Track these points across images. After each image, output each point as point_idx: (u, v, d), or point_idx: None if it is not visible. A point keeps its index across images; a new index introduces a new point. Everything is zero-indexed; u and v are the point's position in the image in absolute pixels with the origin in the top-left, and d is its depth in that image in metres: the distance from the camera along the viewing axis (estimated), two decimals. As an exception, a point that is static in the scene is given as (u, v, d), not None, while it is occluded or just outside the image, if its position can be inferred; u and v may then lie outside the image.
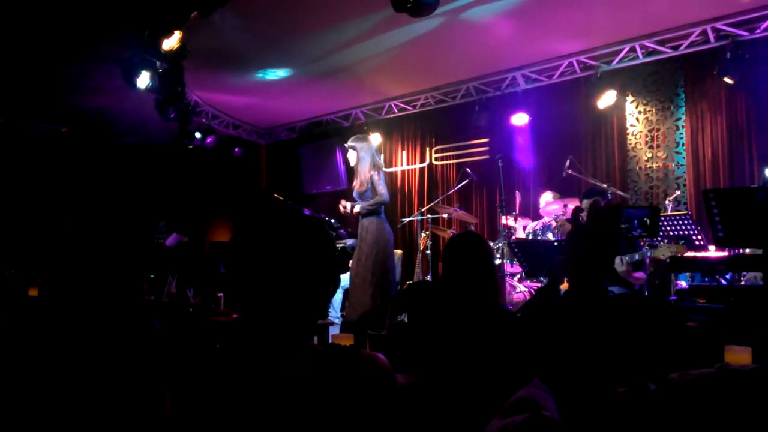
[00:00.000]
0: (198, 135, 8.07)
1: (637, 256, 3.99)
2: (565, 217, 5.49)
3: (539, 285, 4.98)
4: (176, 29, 5.15)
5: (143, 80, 5.95)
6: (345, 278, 6.36)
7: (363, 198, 4.95)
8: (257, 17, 5.61)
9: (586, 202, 4.84)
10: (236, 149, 9.20)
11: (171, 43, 5.23)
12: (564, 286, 3.13)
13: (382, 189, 4.85)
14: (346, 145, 5.12)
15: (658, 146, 6.37)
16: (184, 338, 3.82)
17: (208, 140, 8.24)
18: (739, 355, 2.15)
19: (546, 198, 6.14)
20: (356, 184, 4.99)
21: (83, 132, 9.48)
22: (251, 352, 1.15)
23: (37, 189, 9.85)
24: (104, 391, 1.54)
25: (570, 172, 5.87)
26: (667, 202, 5.64)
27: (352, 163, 5.05)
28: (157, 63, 5.90)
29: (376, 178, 4.87)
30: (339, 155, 8.75)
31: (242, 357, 1.14)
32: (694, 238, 4.13)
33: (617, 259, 3.99)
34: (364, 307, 4.60)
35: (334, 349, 1.15)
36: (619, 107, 6.52)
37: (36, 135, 9.42)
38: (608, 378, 1.11)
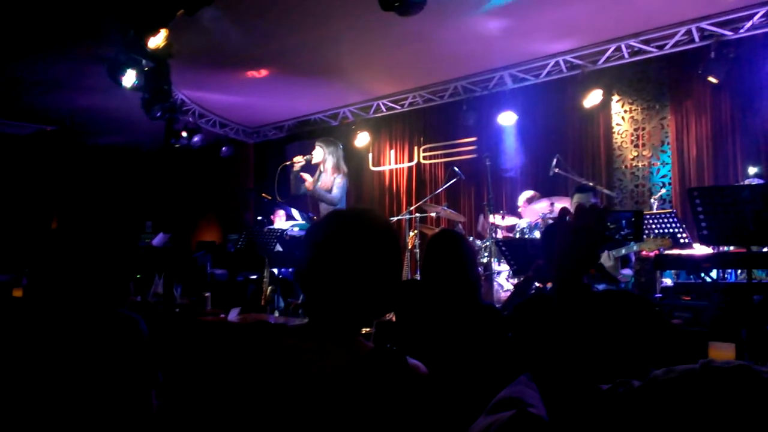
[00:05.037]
0: (185, 134, 8.02)
1: (623, 251, 4.03)
2: (551, 216, 5.52)
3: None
4: (162, 27, 5.12)
5: (129, 79, 5.90)
6: None
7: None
8: (244, 16, 5.59)
9: (578, 197, 4.87)
10: (223, 148, 9.15)
11: (157, 41, 5.19)
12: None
13: (338, 193, 5.11)
14: (316, 142, 5.25)
15: (643, 145, 6.42)
16: (171, 338, 3.81)
17: (195, 139, 8.19)
18: (722, 352, 2.18)
19: (526, 196, 6.11)
20: (320, 183, 5.19)
21: (69, 132, 9.39)
22: (306, 345, 1.16)
23: (21, 189, 9.75)
24: (89, 391, 1.52)
25: (557, 170, 5.90)
26: (652, 200, 5.68)
27: (315, 160, 5.23)
28: (143, 61, 5.86)
29: (338, 181, 5.12)
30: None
31: (297, 350, 1.16)
32: (679, 236, 4.17)
33: (604, 255, 4.02)
34: None
35: (383, 350, 1.17)
36: (605, 106, 6.56)
37: (21, 135, 9.32)
38: (593, 375, 1.11)
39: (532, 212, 5.89)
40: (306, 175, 5.17)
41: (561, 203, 5.45)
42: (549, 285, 3.13)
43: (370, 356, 1.14)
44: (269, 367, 1.11)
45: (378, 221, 1.21)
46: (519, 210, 6.16)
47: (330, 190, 5.16)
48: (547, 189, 6.33)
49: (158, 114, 6.60)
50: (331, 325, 1.16)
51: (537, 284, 3.26)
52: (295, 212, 7.02)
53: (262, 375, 1.11)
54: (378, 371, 1.11)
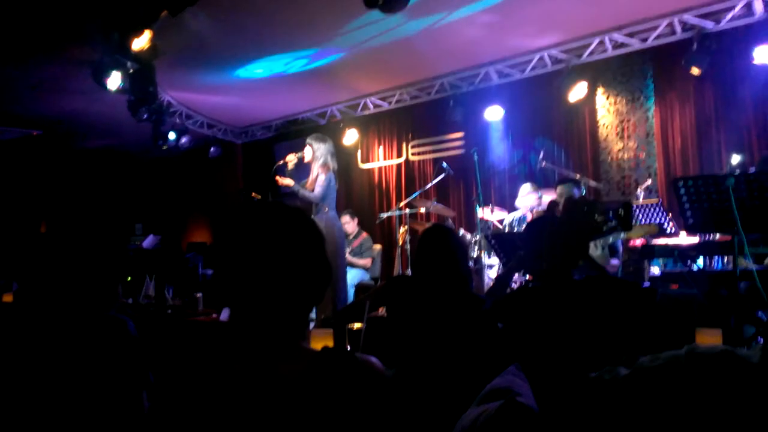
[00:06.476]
0: (172, 135, 7.97)
1: (611, 239, 4.06)
2: (540, 209, 5.55)
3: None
4: (146, 29, 5.09)
5: (114, 81, 5.85)
6: (355, 274, 6.38)
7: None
8: (229, 16, 5.57)
9: (561, 188, 4.89)
10: (212, 149, 9.11)
11: (141, 42, 5.16)
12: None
13: (318, 190, 4.98)
14: (307, 140, 5.22)
15: (629, 137, 6.46)
16: (163, 340, 3.80)
17: (183, 140, 8.15)
18: (710, 338, 2.22)
19: (526, 189, 6.10)
20: (308, 181, 5.11)
21: (56, 136, 9.32)
22: (246, 352, 1.12)
23: (9, 194, 9.67)
24: (79, 393, 1.53)
25: (544, 164, 5.93)
26: (638, 191, 5.72)
27: (306, 159, 5.16)
28: (128, 63, 5.82)
29: (321, 179, 4.99)
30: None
31: (237, 357, 1.12)
32: (666, 225, 4.21)
33: (591, 244, 4.05)
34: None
35: (330, 352, 1.13)
36: (590, 99, 6.60)
37: (4, 140, 9.23)
38: (583, 364, 1.14)
39: (522, 205, 5.91)
40: (278, 178, 5.13)
41: (549, 196, 5.49)
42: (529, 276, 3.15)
43: (317, 360, 1.10)
44: (215, 386, 1.07)
45: (283, 211, 1.17)
46: (517, 203, 6.15)
47: (313, 189, 5.09)
48: (534, 182, 6.35)
49: (145, 116, 6.57)
50: (264, 333, 1.11)
51: (527, 277, 3.28)
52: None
53: (210, 393, 1.07)
54: (328, 375, 1.07)
